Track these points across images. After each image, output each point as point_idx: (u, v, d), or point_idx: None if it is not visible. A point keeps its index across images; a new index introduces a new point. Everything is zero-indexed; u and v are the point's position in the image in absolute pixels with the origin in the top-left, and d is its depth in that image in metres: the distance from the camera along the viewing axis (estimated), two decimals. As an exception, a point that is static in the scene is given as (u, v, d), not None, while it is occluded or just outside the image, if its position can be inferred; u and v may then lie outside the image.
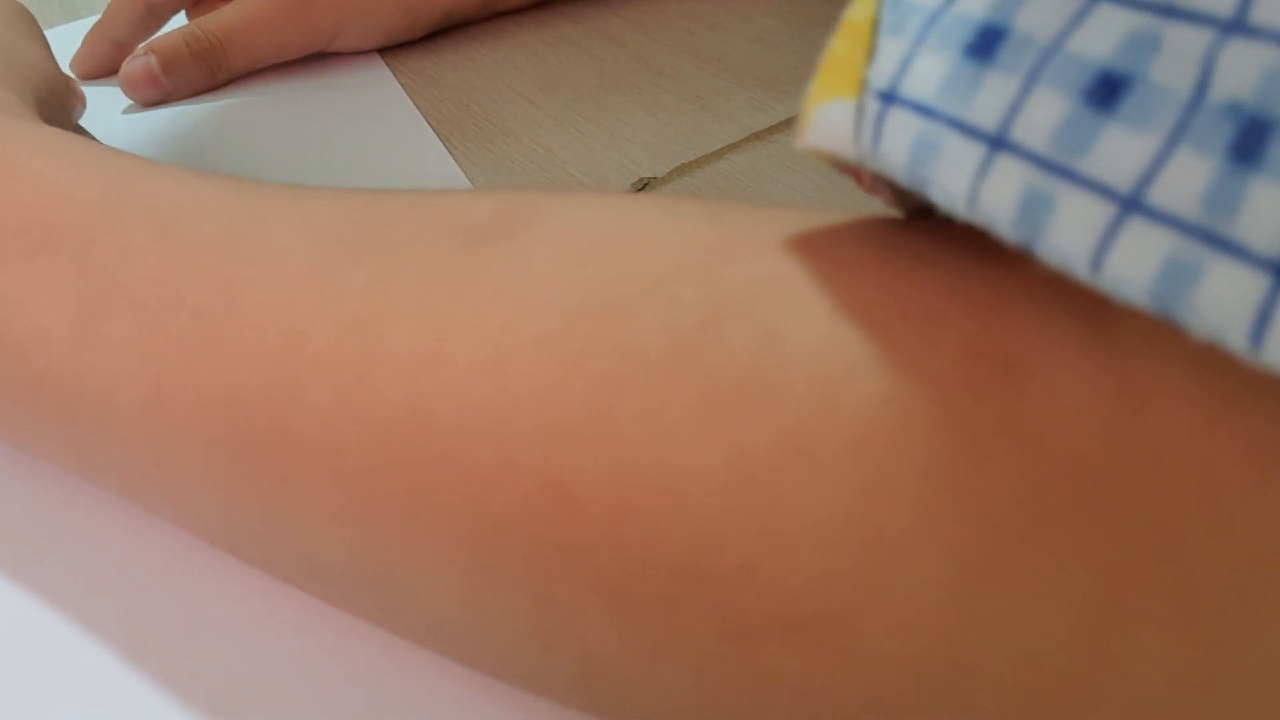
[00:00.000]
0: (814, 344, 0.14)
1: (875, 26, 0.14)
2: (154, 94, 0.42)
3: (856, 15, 0.14)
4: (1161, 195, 0.11)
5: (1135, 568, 0.12)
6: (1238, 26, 0.10)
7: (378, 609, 0.19)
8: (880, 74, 0.13)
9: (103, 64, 0.45)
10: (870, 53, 0.14)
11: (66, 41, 0.45)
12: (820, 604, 0.13)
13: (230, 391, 0.17)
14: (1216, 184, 0.10)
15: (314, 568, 0.19)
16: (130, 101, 0.42)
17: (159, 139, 0.40)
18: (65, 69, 0.44)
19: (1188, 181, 0.11)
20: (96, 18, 0.48)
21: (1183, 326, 0.11)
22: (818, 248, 0.15)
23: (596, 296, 0.15)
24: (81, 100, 0.36)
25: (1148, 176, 0.11)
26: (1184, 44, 0.11)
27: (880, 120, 0.13)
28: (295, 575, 0.20)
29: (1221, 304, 0.10)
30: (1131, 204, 0.11)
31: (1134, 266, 0.11)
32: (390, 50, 0.45)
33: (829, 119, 0.14)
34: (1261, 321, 0.10)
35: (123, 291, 0.19)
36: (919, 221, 0.14)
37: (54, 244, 0.20)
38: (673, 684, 0.15)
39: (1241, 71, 0.10)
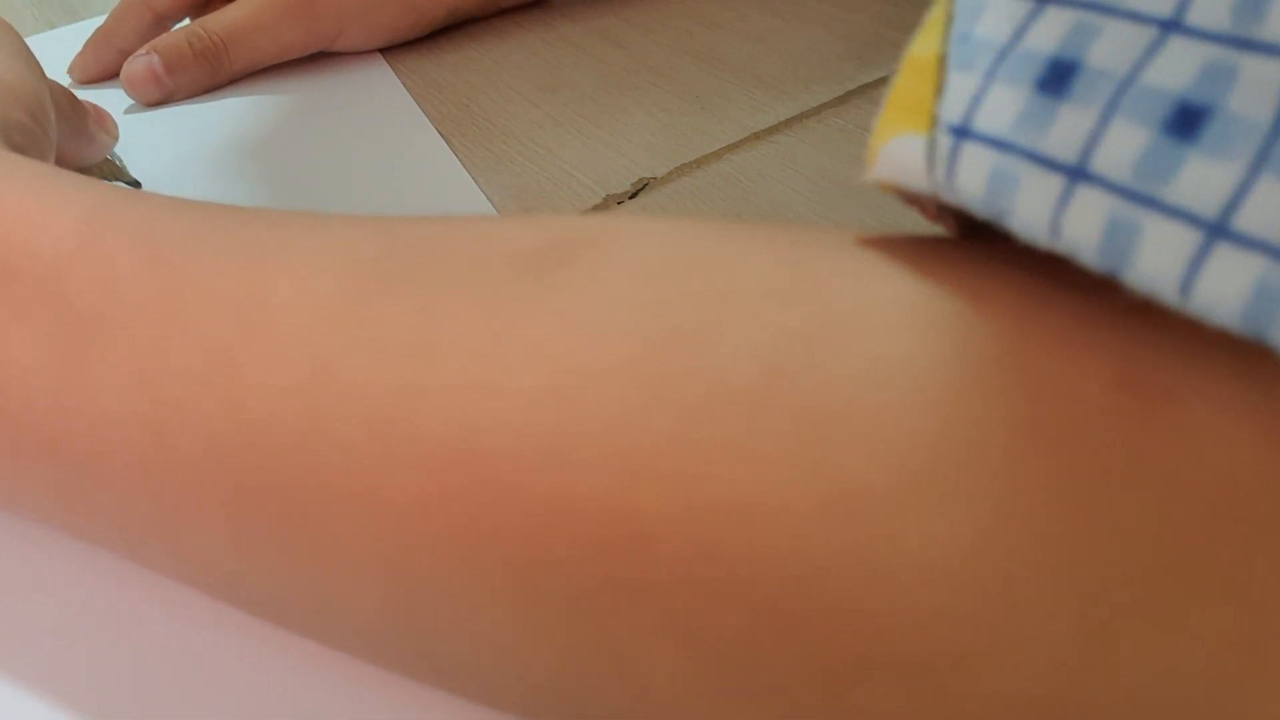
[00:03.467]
0: (931, 370, 0.13)
1: (942, 63, 0.14)
2: (156, 93, 0.42)
3: (920, 52, 0.14)
4: (1248, 221, 0.11)
5: (1277, 605, 0.12)
6: None
7: (405, 654, 0.18)
8: (951, 109, 0.13)
9: (105, 70, 0.44)
10: (939, 89, 0.14)
11: (68, 43, 0.45)
12: (933, 646, 0.13)
13: (247, 426, 0.16)
14: None
15: (336, 615, 0.17)
16: (131, 102, 0.42)
17: (161, 139, 0.40)
18: (65, 70, 0.45)
19: (1273, 208, 0.11)
20: (98, 19, 0.48)
21: (1276, 349, 0.11)
22: (927, 270, 0.14)
23: (677, 321, 0.15)
24: (111, 131, 0.35)
25: (1233, 203, 0.11)
26: (1261, 74, 0.11)
27: (954, 154, 0.13)
28: (311, 623, 0.19)
29: None
30: (1218, 230, 0.11)
31: (1223, 292, 0.11)
32: (390, 50, 0.45)
33: (898, 153, 0.14)
34: None
35: (111, 323, 0.17)
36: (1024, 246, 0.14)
37: (21, 274, 0.18)
38: None
39: None
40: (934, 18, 0.14)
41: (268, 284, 0.17)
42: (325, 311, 0.16)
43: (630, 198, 0.35)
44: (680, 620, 0.14)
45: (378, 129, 0.40)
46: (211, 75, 0.42)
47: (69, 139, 0.31)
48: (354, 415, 0.15)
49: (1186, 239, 0.11)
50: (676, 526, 0.14)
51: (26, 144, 0.25)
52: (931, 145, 0.14)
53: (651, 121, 0.39)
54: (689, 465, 0.14)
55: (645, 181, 0.36)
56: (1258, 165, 0.11)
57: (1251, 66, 0.11)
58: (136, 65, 0.41)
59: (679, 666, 0.14)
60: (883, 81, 0.39)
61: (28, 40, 0.50)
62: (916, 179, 0.14)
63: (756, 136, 0.37)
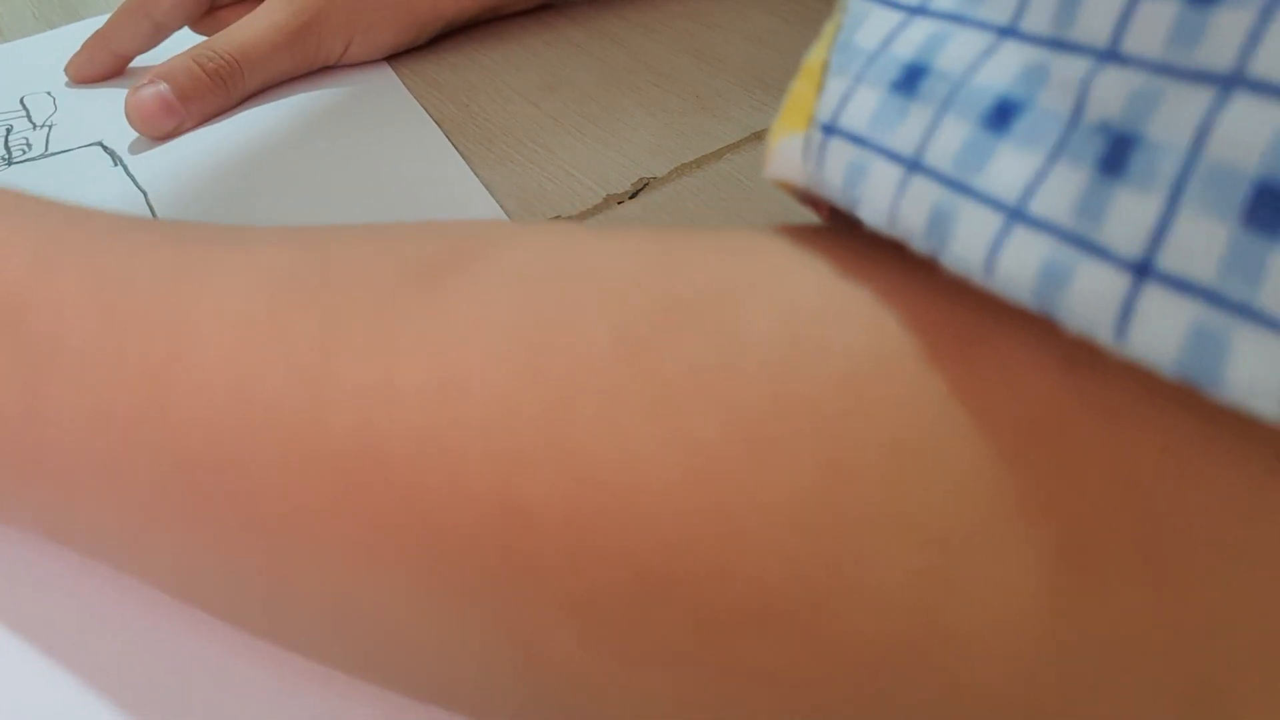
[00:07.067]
0: (768, 336, 0.14)
1: (825, 68, 0.15)
2: (170, 123, 0.40)
3: (812, 60, 0.15)
4: (1041, 205, 0.12)
5: (1098, 517, 0.13)
6: (1111, 56, 0.12)
7: (340, 651, 0.18)
8: (824, 108, 0.15)
9: (100, 72, 0.44)
10: (819, 91, 0.15)
11: (67, 43, 0.45)
12: (792, 590, 0.14)
13: (184, 445, 0.17)
14: (1087, 194, 0.12)
15: (277, 614, 0.18)
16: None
17: (166, 147, 0.40)
18: (62, 70, 0.45)
19: (1064, 193, 0.12)
20: (98, 18, 0.48)
21: (1061, 325, 0.12)
22: (766, 251, 0.16)
23: (543, 310, 0.16)
24: None
25: (1030, 189, 0.12)
26: (1066, 72, 0.12)
27: (822, 149, 0.15)
28: (259, 624, 0.19)
29: (1090, 302, 0.11)
30: (1016, 214, 0.12)
31: (1018, 270, 0.12)
32: (391, 51, 0.45)
33: (785, 151, 0.15)
34: (1124, 317, 0.11)
35: (65, 354, 0.18)
36: (864, 232, 0.15)
37: None
38: (648, 693, 0.15)
39: (1112, 95, 0.12)
40: (829, 29, 0.15)
41: (193, 306, 0.18)
42: (244, 331, 0.17)
43: (630, 198, 0.35)
44: (572, 593, 0.15)
45: (379, 128, 0.40)
46: (226, 97, 0.41)
47: None
48: (273, 426, 0.16)
49: (991, 223, 0.12)
50: (554, 503, 0.14)
51: None
52: (806, 142, 0.15)
53: (651, 121, 0.39)
54: (558, 443, 0.14)
55: (645, 181, 0.36)
56: (1055, 155, 0.12)
57: (1060, 65, 0.12)
58: (146, 97, 0.39)
59: (580, 642, 0.15)
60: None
61: (27, 40, 0.50)
62: (796, 174, 0.15)
63: (756, 136, 0.37)
